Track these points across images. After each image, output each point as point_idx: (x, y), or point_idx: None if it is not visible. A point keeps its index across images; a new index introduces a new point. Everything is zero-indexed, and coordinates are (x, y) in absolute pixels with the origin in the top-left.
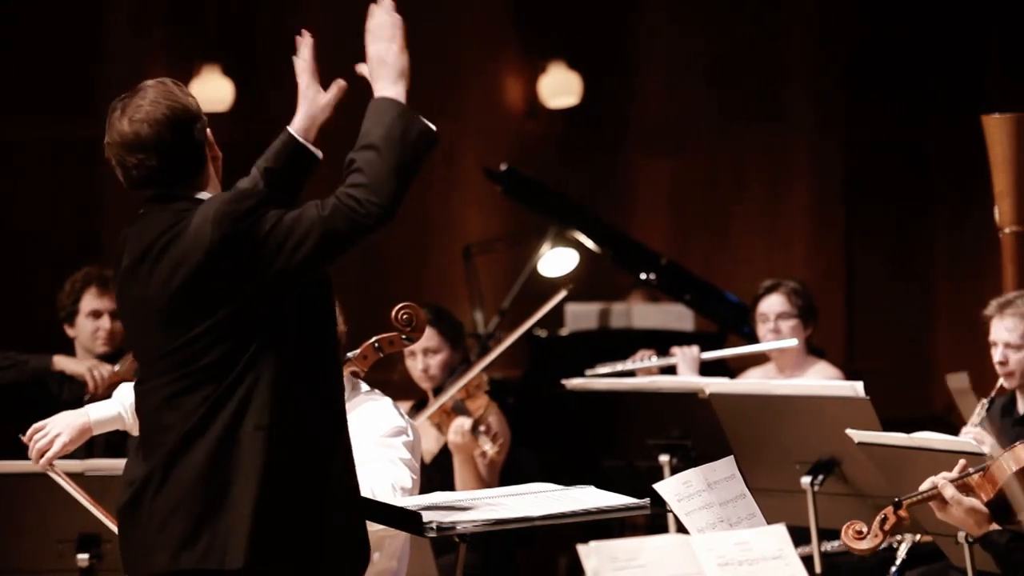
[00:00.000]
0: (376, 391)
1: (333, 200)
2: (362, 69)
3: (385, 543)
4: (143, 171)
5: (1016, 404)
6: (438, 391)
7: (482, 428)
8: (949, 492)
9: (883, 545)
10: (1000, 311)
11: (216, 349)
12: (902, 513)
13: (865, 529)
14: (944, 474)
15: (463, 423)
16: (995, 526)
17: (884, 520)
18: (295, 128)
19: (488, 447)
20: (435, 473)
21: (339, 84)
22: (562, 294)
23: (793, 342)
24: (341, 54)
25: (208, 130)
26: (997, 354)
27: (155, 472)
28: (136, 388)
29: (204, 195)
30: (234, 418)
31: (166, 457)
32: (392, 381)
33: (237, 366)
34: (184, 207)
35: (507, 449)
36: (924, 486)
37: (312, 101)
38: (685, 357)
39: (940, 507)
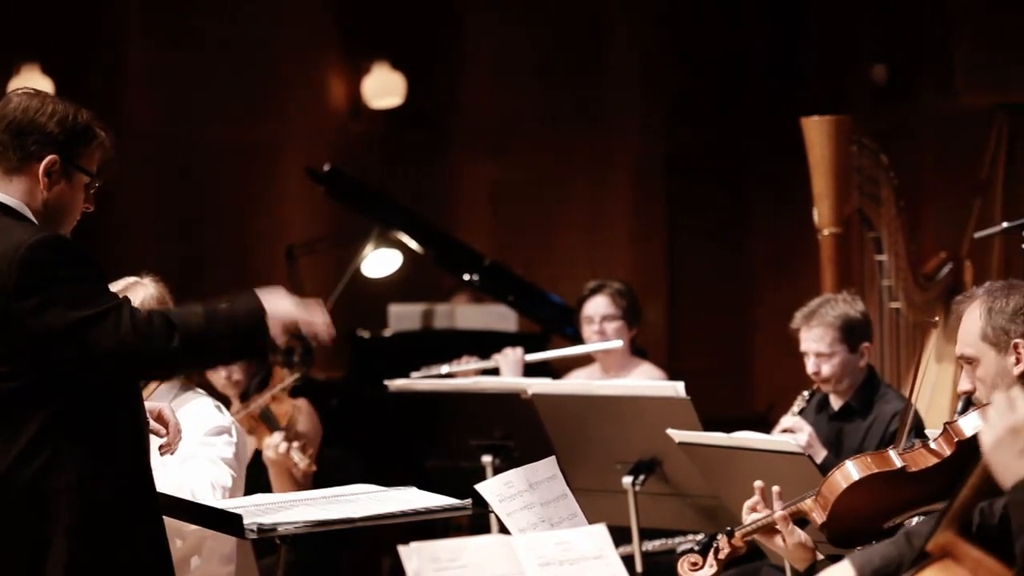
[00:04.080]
0: (200, 390)
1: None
2: None
3: (205, 546)
4: None
5: (831, 400)
6: (245, 397)
7: (296, 444)
8: (783, 523)
9: (719, 574)
10: (806, 322)
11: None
12: (735, 542)
13: (701, 560)
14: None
15: (278, 441)
16: (820, 556)
17: (718, 550)
18: (273, 310)
19: (300, 461)
20: (248, 479)
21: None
22: (294, 376)
23: (618, 343)
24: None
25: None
26: (810, 365)
27: None
28: None
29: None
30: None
31: None
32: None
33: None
34: None
35: (317, 443)
36: (749, 502)
37: (304, 306)
38: (508, 359)
39: (770, 537)
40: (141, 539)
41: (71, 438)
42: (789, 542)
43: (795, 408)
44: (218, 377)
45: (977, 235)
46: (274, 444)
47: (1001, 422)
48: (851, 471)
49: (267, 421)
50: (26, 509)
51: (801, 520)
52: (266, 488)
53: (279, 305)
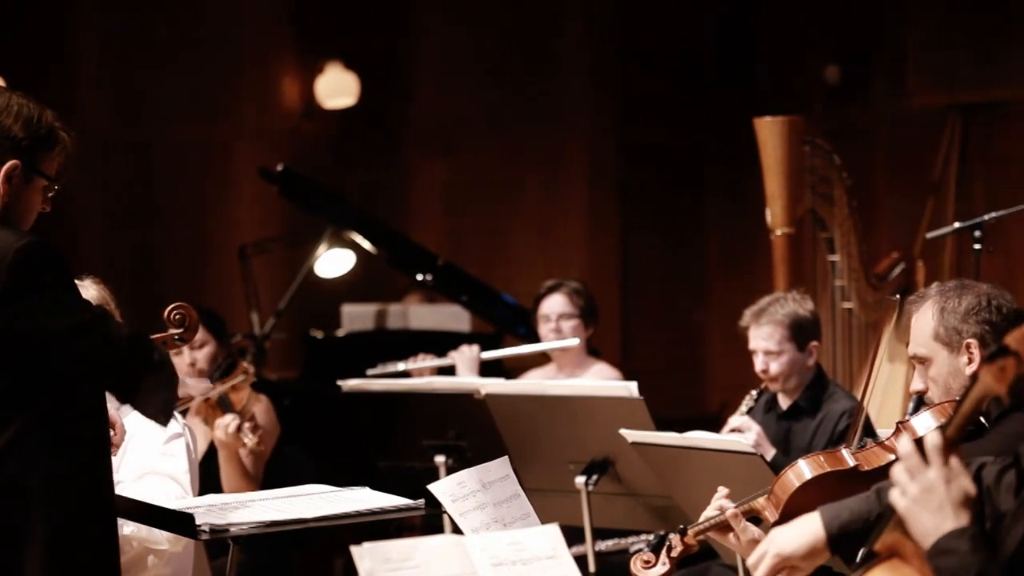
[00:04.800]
0: None
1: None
2: None
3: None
4: None
5: (779, 400)
6: None
7: (247, 425)
8: (735, 520)
9: (672, 572)
10: (755, 320)
11: None
12: (688, 540)
13: (653, 558)
14: (723, 503)
15: (229, 421)
16: None
17: (670, 548)
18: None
19: (248, 440)
20: (203, 474)
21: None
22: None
23: (574, 341)
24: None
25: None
26: (759, 363)
27: None
28: None
29: None
30: None
31: None
32: None
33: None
34: None
35: (274, 439)
36: (709, 511)
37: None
38: (465, 357)
39: (723, 535)
40: (102, 542)
41: (46, 442)
42: (742, 539)
43: (743, 408)
44: (181, 364)
45: (929, 235)
46: (225, 424)
47: (914, 484)
48: (804, 470)
49: (223, 407)
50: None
51: (754, 518)
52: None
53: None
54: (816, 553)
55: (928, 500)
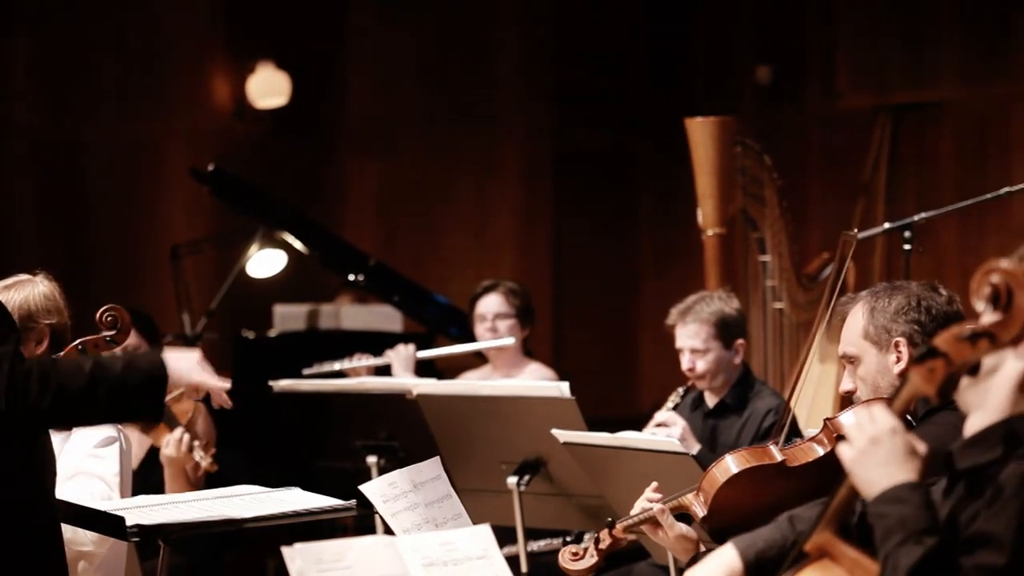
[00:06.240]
0: None
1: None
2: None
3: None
4: None
5: (705, 398)
6: None
7: (197, 443)
8: (663, 516)
9: (600, 565)
10: (681, 318)
11: None
12: (617, 533)
13: (581, 551)
14: (651, 495)
15: (179, 436)
16: (702, 548)
17: (599, 540)
18: (173, 369)
19: (201, 459)
20: (141, 484)
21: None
22: None
23: (510, 340)
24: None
25: None
26: (685, 361)
27: None
28: None
29: None
30: None
31: None
32: None
33: None
34: None
35: (212, 446)
36: (638, 507)
37: (205, 375)
38: (400, 356)
39: (652, 530)
40: (47, 543)
41: None
42: (670, 535)
43: (669, 404)
44: None
45: (860, 235)
46: (176, 439)
47: (861, 434)
48: (730, 464)
49: (166, 419)
50: None
51: (685, 516)
52: (158, 489)
53: (182, 366)
54: None
55: (876, 450)
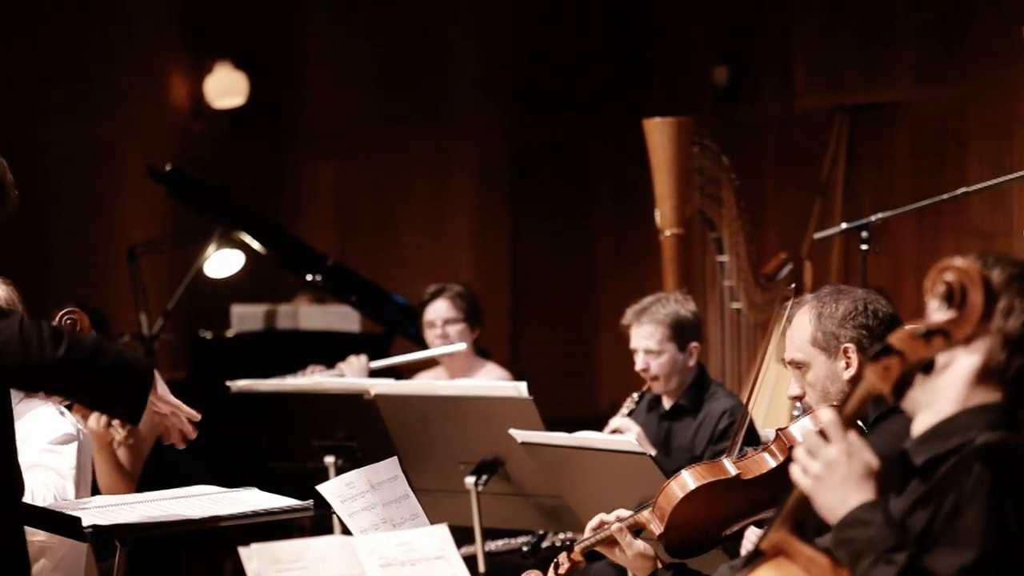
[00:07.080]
0: (42, 396)
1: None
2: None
3: (47, 551)
4: None
5: (662, 400)
6: None
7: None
8: (620, 535)
9: None
10: (637, 319)
11: None
12: (575, 557)
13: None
14: (618, 513)
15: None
16: (659, 565)
17: (558, 565)
18: (159, 379)
19: (117, 434)
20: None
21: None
22: None
23: (461, 346)
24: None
25: None
26: (639, 362)
27: None
28: None
29: None
30: None
31: None
32: None
33: None
34: None
35: (154, 437)
36: (593, 523)
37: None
38: (353, 367)
39: (610, 549)
40: (10, 542)
41: None
42: (628, 553)
43: (624, 409)
44: None
45: (817, 236)
46: (96, 415)
47: (815, 462)
48: (687, 481)
49: None
50: None
51: (641, 531)
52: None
53: (163, 384)
54: None
55: (831, 476)
